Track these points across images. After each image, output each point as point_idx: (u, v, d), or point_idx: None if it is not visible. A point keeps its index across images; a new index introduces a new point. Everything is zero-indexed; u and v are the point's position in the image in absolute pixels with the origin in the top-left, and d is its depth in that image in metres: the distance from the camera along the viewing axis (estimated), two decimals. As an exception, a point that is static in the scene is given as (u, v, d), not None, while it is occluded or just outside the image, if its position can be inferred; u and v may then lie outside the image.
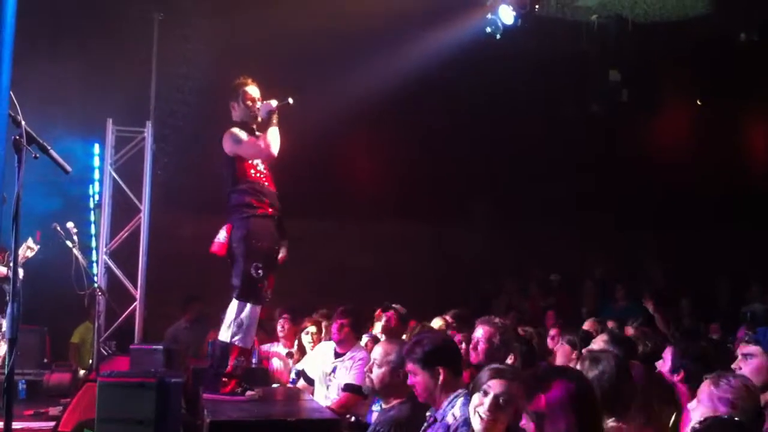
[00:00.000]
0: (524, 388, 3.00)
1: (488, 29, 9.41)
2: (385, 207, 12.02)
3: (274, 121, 5.27)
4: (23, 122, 3.20)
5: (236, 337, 4.99)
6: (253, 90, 5.44)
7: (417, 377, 4.05)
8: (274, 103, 5.31)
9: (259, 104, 5.36)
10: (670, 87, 11.73)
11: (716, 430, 3.02)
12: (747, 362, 4.30)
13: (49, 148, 3.33)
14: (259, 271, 5.02)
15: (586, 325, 7.10)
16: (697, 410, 3.61)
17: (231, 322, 5.02)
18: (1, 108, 1.55)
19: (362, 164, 12.05)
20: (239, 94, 5.41)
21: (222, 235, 5.13)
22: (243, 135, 5.24)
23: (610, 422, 3.48)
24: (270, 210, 5.20)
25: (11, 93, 3.20)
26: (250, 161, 5.25)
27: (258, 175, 5.26)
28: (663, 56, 10.69)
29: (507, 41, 9.39)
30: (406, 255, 12.20)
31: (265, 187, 5.25)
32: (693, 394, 3.90)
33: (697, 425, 3.13)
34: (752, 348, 4.42)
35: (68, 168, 3.43)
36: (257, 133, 5.36)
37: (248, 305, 5.02)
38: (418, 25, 9.80)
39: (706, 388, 3.65)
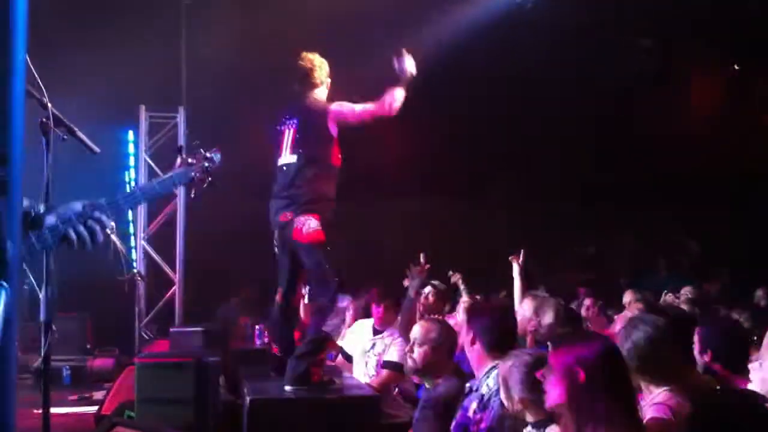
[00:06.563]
0: (557, 348, 2.83)
1: (519, -1, 9.29)
2: (412, 186, 11.91)
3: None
4: (50, 104, 3.18)
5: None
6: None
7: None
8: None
9: None
10: (697, 53, 11.43)
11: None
12: None
13: (76, 129, 3.30)
14: None
15: (627, 297, 7.00)
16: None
17: None
18: (17, 87, 1.50)
19: (388, 143, 11.89)
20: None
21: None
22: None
23: (656, 389, 3.38)
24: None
25: (37, 77, 3.19)
26: None
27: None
28: (686, 22, 10.39)
29: (538, 11, 9.24)
30: (433, 233, 12.06)
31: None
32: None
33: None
34: None
35: (96, 149, 3.39)
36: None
37: None
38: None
39: None
